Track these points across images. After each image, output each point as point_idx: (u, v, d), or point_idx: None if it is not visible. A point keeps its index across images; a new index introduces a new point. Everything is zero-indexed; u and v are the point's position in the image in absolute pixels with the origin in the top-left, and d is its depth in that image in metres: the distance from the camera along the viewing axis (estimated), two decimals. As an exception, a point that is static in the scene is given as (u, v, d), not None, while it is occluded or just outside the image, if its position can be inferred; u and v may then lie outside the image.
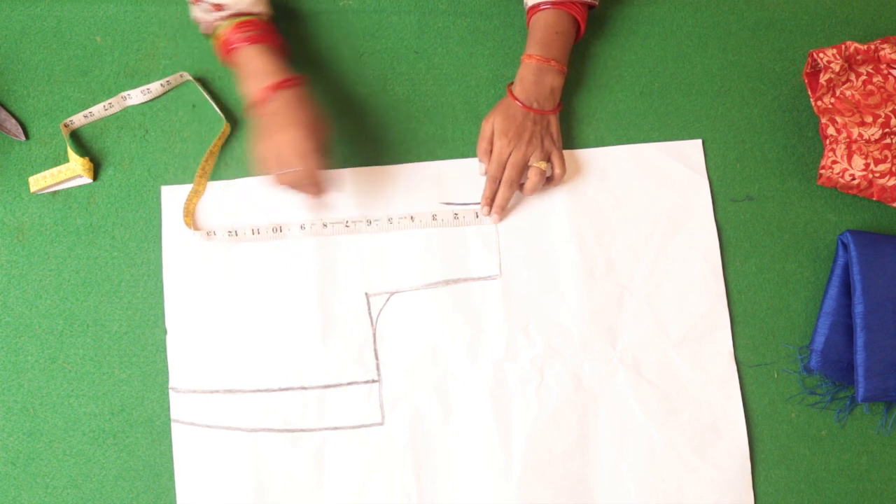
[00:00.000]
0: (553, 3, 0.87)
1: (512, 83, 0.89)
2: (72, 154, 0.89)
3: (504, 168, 0.87)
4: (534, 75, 0.88)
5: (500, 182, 0.88)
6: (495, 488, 0.85)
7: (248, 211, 0.89)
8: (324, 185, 0.84)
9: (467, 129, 0.93)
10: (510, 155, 0.87)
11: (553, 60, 0.87)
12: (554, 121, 0.89)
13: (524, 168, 0.88)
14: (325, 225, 0.89)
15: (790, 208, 0.92)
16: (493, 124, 0.88)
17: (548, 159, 0.88)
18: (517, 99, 0.87)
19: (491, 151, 0.88)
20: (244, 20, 0.84)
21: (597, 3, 0.90)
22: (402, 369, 0.87)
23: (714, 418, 0.87)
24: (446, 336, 0.88)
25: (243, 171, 0.91)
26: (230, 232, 0.88)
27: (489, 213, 0.89)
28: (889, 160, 0.87)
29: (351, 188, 0.90)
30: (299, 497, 0.84)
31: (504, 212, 0.89)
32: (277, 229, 0.88)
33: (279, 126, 0.81)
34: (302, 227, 0.89)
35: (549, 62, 0.87)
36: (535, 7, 0.88)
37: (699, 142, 0.93)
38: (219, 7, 0.83)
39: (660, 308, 0.89)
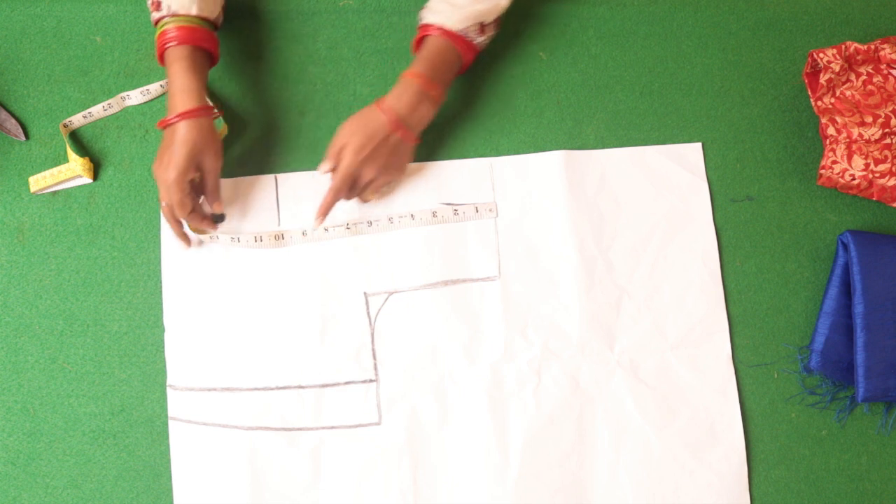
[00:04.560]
0: (446, 32, 0.83)
1: (382, 97, 0.84)
2: (71, 154, 0.89)
3: (348, 184, 0.85)
4: (413, 97, 0.83)
5: (341, 196, 0.85)
6: (491, 490, 0.85)
7: (253, 209, 0.89)
8: (191, 219, 0.84)
9: (467, 128, 0.93)
10: (358, 174, 0.84)
11: (435, 89, 0.83)
12: (408, 150, 0.86)
13: (364, 189, 0.86)
14: (326, 229, 0.89)
15: (790, 208, 0.92)
16: (348, 135, 0.83)
17: (383, 185, 0.87)
18: (387, 114, 0.82)
19: (338, 158, 0.84)
20: (182, 24, 0.83)
21: (480, 48, 0.87)
22: (399, 369, 0.87)
23: (711, 422, 0.86)
24: (444, 337, 0.88)
25: (244, 170, 0.91)
26: (232, 238, 0.88)
27: (321, 223, 0.87)
28: (889, 160, 0.87)
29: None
30: (295, 495, 0.84)
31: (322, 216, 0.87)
32: (280, 237, 0.88)
33: (165, 157, 0.82)
34: (304, 234, 0.88)
35: (432, 88, 0.83)
36: (429, 28, 0.84)
37: (699, 145, 0.92)
38: (157, 6, 0.83)
39: (658, 311, 0.89)
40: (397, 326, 0.88)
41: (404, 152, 0.86)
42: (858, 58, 0.89)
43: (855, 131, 0.88)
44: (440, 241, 0.89)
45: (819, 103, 0.89)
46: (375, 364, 0.87)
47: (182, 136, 0.81)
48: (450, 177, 0.91)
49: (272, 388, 0.86)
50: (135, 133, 0.92)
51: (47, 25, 0.94)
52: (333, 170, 0.85)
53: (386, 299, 0.88)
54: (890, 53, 0.88)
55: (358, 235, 0.89)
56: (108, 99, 0.91)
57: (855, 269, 0.87)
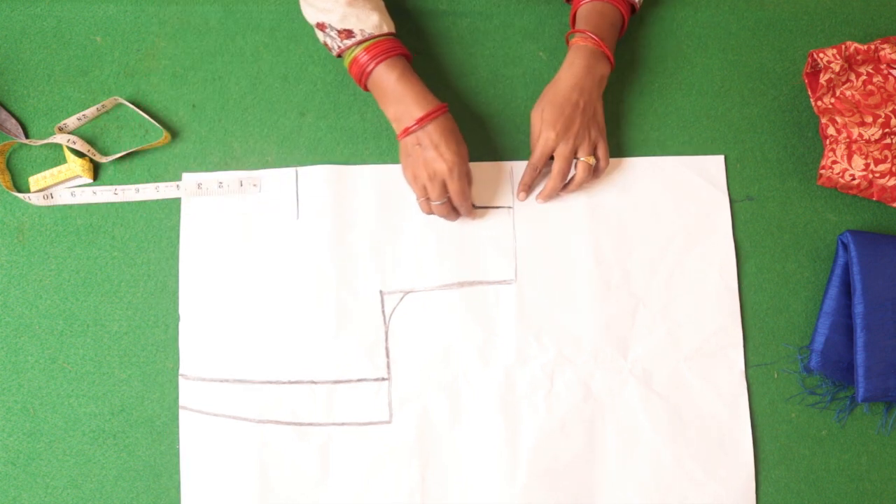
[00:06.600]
0: None
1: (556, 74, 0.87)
2: (69, 155, 0.89)
3: (546, 159, 0.86)
4: (586, 60, 0.85)
5: (539, 171, 0.88)
6: (500, 493, 0.85)
7: (273, 200, 0.90)
8: (469, 209, 0.86)
9: (468, 129, 0.92)
10: (557, 147, 0.85)
11: (606, 47, 0.85)
12: (600, 109, 0.87)
13: (572, 159, 0.86)
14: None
15: (790, 208, 0.92)
16: (541, 114, 0.86)
17: (594, 151, 0.87)
18: (564, 81, 0.85)
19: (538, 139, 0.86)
20: (373, 42, 0.83)
21: (638, 5, 0.89)
22: (412, 369, 0.87)
23: (721, 435, 0.86)
24: (459, 338, 0.88)
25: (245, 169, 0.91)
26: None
27: (525, 197, 0.89)
28: (889, 160, 0.87)
29: (374, 186, 0.90)
30: (303, 490, 0.84)
31: (547, 199, 0.89)
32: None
33: (426, 155, 0.82)
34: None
35: (602, 48, 0.85)
36: None
37: (721, 158, 0.92)
38: (348, 34, 0.83)
39: (673, 322, 0.88)
40: (412, 326, 0.88)
41: (595, 112, 0.86)
42: (858, 58, 0.89)
43: (855, 131, 0.88)
44: (457, 243, 0.89)
45: (819, 103, 0.89)
46: (388, 363, 0.87)
47: (446, 126, 0.83)
48: (475, 179, 0.90)
49: (284, 382, 0.86)
50: (135, 133, 0.92)
51: (47, 25, 0.94)
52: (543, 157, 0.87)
53: (401, 298, 0.88)
54: (890, 53, 0.88)
55: (375, 231, 0.89)
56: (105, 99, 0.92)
57: (855, 269, 0.87)
